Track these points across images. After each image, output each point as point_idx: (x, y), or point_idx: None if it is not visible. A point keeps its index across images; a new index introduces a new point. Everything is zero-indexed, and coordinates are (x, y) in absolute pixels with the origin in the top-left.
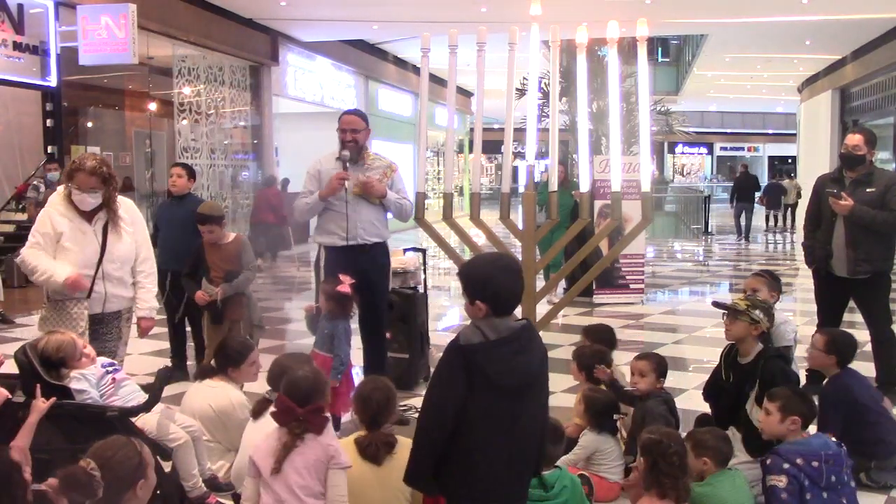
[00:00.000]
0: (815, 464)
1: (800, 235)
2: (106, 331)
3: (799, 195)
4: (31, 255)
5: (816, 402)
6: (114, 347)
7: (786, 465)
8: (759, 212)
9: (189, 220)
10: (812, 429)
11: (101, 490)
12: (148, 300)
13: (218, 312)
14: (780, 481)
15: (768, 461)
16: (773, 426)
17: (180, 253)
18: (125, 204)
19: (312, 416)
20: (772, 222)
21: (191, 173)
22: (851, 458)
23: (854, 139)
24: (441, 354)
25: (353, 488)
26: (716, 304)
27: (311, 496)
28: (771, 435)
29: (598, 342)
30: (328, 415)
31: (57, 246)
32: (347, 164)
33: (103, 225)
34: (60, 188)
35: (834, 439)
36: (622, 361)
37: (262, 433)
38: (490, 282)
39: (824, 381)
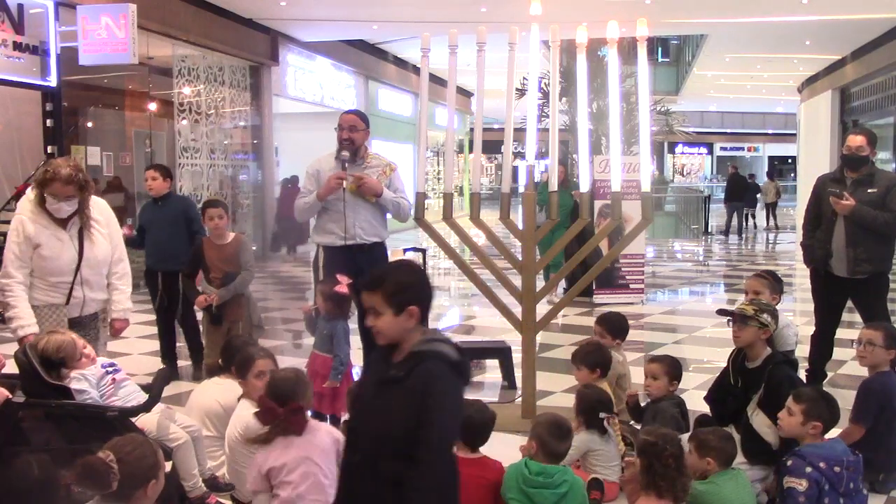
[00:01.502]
0: (837, 469)
1: (783, 233)
2: (84, 333)
3: (778, 194)
4: (12, 287)
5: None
6: (93, 349)
7: (808, 469)
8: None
9: (173, 220)
10: (833, 432)
11: (115, 483)
12: (122, 301)
13: (217, 313)
14: (801, 484)
15: (789, 462)
16: (793, 427)
17: (168, 253)
18: (98, 205)
19: (292, 415)
20: (749, 221)
21: (166, 174)
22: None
23: (857, 140)
24: (435, 382)
25: None
26: (721, 312)
27: (330, 483)
28: (789, 435)
29: (614, 331)
30: (308, 414)
31: (34, 254)
32: (346, 165)
33: (78, 230)
34: (29, 192)
35: (850, 448)
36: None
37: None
38: (423, 286)
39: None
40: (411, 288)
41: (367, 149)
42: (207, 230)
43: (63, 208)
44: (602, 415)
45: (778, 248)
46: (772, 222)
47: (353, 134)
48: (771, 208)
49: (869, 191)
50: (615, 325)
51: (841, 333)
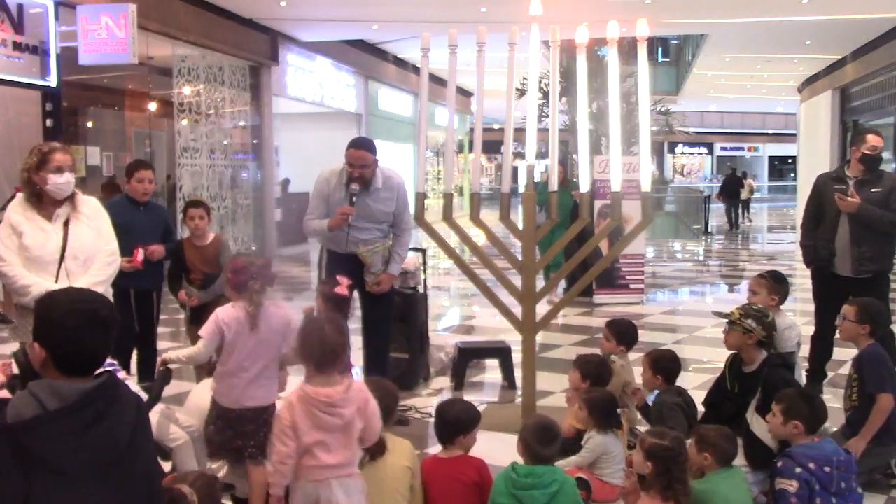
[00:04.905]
0: (826, 469)
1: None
2: None
3: (752, 192)
4: (11, 266)
5: (853, 370)
6: None
7: (798, 470)
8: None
9: (154, 230)
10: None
11: None
12: (90, 281)
13: (197, 312)
14: (791, 486)
15: (780, 464)
16: (776, 428)
17: (148, 268)
18: (87, 200)
19: (264, 269)
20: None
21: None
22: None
23: (878, 140)
24: None
25: None
26: (716, 314)
27: (274, 357)
28: (776, 436)
29: (621, 336)
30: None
31: (19, 244)
32: (354, 199)
33: (64, 221)
34: (19, 195)
35: (843, 448)
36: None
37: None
38: (51, 327)
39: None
40: (38, 325)
41: (376, 175)
42: (188, 230)
43: (69, 181)
44: (618, 410)
45: (777, 247)
46: (745, 217)
47: (363, 171)
48: (745, 204)
49: (873, 190)
50: (624, 332)
51: None
